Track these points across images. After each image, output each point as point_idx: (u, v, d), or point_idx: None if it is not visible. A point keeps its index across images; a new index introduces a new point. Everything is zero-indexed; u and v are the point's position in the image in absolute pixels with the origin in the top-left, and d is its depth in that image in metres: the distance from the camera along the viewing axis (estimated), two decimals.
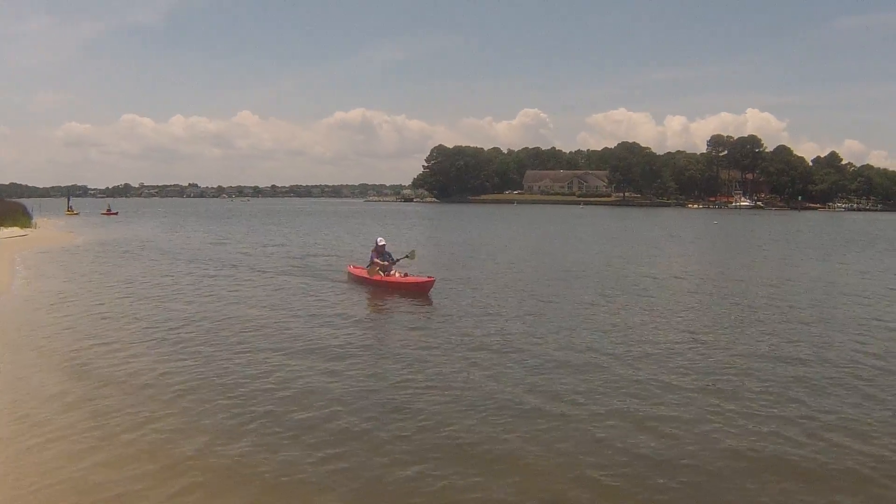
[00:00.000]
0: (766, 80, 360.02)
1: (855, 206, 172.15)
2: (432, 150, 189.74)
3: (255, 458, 7.44)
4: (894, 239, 51.69)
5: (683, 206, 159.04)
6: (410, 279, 19.58)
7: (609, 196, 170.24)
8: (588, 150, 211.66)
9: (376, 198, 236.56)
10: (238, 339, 13.34)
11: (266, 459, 7.42)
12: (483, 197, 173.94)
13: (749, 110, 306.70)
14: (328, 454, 7.59)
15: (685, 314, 16.87)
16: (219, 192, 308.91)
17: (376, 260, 20.54)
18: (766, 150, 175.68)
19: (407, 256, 21.53)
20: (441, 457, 7.56)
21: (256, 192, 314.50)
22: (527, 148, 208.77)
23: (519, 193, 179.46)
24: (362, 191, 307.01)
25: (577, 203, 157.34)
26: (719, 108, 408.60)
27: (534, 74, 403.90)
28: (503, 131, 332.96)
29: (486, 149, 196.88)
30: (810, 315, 16.82)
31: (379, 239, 21.29)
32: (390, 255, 20.91)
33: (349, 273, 22.34)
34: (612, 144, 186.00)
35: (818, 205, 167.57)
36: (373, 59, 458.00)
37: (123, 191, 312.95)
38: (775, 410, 9.25)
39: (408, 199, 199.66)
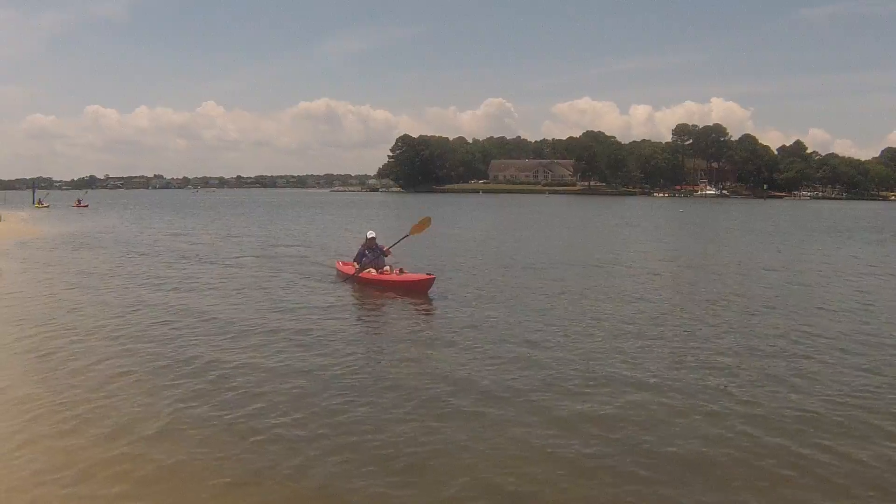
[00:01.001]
0: (730, 69, 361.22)
1: (820, 194, 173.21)
2: (397, 140, 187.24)
3: (180, 456, 7.07)
4: (851, 228, 50.71)
5: (649, 194, 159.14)
6: (407, 277, 17.05)
7: (574, 185, 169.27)
8: (553, 139, 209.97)
9: (342, 188, 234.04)
10: (194, 342, 11.75)
11: (191, 456, 7.07)
12: (448, 186, 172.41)
13: (714, 99, 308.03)
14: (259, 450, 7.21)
15: (654, 307, 15.58)
16: (184, 183, 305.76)
17: (356, 264, 18.20)
18: (732, 139, 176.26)
19: (406, 236, 18.70)
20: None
21: (222, 182, 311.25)
22: (492, 137, 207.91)
23: (484, 183, 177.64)
24: (328, 181, 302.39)
25: (543, 192, 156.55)
26: (684, 97, 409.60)
27: (498, 64, 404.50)
28: (468, 121, 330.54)
29: (451, 138, 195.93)
30: (765, 304, 16.02)
31: (369, 232, 18.66)
32: (381, 250, 18.28)
33: (337, 270, 19.75)
34: (577, 133, 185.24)
35: (783, 193, 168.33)
36: (337, 49, 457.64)
37: (89, 183, 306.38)
38: (713, 406, 8.65)
39: (373, 189, 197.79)
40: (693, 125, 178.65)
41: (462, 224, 50.23)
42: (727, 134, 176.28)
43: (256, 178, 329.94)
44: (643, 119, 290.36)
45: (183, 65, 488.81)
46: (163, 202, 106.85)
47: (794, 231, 45.62)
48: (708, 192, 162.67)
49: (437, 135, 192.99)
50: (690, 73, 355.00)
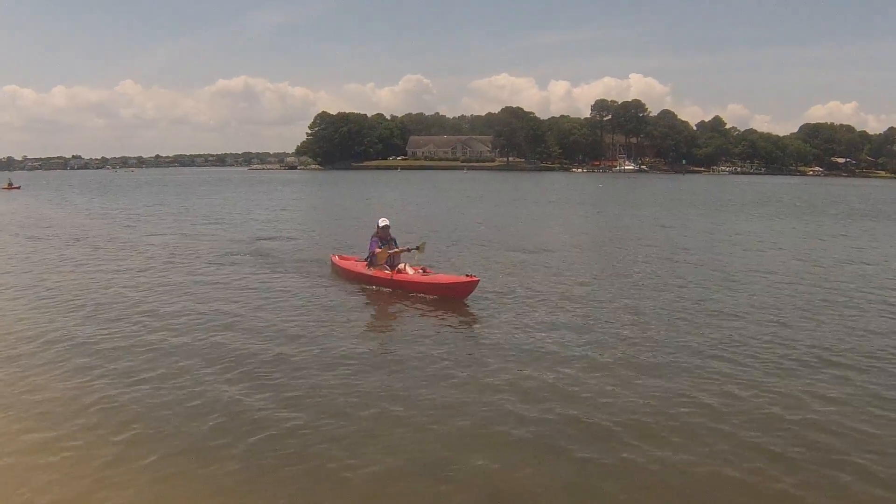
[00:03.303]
0: (648, 44, 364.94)
1: (739, 169, 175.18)
2: (316, 117, 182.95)
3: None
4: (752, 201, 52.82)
5: (568, 170, 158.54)
6: (442, 278, 13.62)
7: (493, 161, 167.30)
8: (472, 115, 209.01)
9: (260, 166, 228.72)
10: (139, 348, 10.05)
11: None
12: (367, 163, 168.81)
13: (632, 75, 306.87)
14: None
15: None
16: (103, 163, 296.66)
17: (377, 250, 14.69)
18: (651, 115, 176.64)
19: (417, 248, 15.37)
20: None
21: (140, 162, 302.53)
22: (410, 114, 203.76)
23: (403, 159, 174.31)
24: (246, 159, 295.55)
25: (461, 168, 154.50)
26: (602, 72, 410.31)
27: (415, 39, 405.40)
28: (386, 97, 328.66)
29: (369, 115, 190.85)
30: (677, 273, 16.78)
31: (381, 220, 15.27)
32: (395, 242, 15.17)
33: (332, 265, 16.44)
34: (495, 109, 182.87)
35: (702, 168, 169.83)
36: (254, 24, 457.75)
37: (7, 164, 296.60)
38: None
39: (292, 167, 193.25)
40: (612, 101, 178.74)
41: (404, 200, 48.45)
42: (646, 109, 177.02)
43: (175, 156, 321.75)
44: (562, 94, 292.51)
45: (100, 42, 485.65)
46: (84, 182, 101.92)
47: (699, 205, 46.88)
48: (626, 168, 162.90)
49: (355, 111, 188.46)
50: (609, 48, 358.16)
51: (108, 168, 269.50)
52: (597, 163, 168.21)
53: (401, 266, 14.39)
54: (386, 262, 14.56)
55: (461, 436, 6.97)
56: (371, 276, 14.53)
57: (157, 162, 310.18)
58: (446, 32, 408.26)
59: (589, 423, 7.32)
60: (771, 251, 21.96)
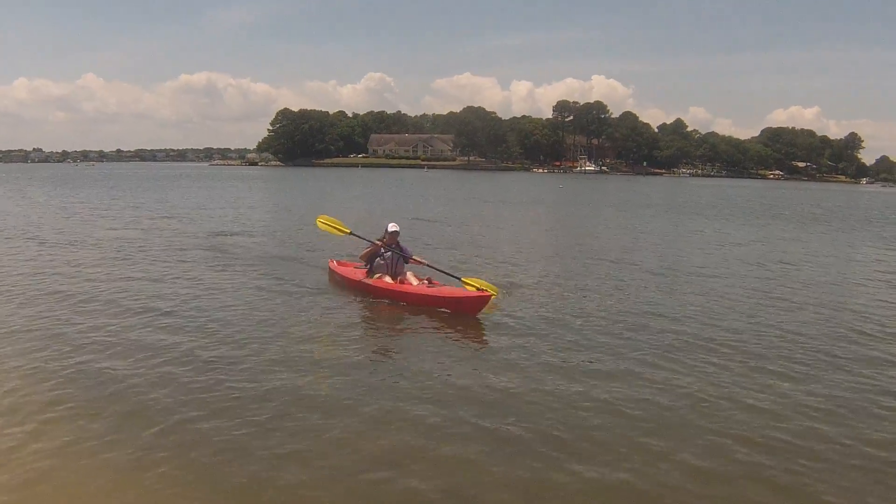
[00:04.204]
0: (611, 46, 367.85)
1: (700, 171, 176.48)
2: (277, 114, 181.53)
3: None
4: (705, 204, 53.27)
5: (528, 170, 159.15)
6: (448, 291, 12.17)
7: (454, 160, 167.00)
8: (433, 114, 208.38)
9: (221, 161, 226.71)
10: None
11: None
12: (328, 161, 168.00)
13: (595, 77, 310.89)
14: None
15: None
16: (63, 156, 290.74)
17: (377, 244, 13.33)
18: (612, 116, 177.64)
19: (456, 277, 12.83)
20: None
21: (101, 156, 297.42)
22: (372, 112, 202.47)
23: (364, 157, 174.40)
24: (207, 154, 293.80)
25: (422, 167, 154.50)
26: (565, 74, 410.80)
27: (378, 38, 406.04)
28: (348, 95, 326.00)
29: (331, 112, 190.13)
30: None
31: (390, 225, 13.50)
32: (406, 251, 13.41)
33: (330, 272, 14.93)
34: (457, 109, 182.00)
35: (663, 170, 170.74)
36: (218, 21, 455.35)
37: None
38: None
39: (252, 163, 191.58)
40: (574, 102, 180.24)
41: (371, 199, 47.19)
42: (608, 111, 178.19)
43: (136, 151, 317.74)
44: (524, 95, 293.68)
45: (62, 36, 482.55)
46: (44, 176, 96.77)
47: (655, 207, 46.87)
48: (587, 169, 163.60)
49: (317, 108, 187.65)
50: (572, 49, 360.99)
51: (68, 162, 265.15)
52: (558, 163, 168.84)
53: (405, 276, 13.06)
54: (388, 272, 13.13)
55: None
56: (370, 286, 13.05)
57: (119, 156, 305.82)
58: (409, 31, 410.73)
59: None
60: (723, 254, 21.80)
